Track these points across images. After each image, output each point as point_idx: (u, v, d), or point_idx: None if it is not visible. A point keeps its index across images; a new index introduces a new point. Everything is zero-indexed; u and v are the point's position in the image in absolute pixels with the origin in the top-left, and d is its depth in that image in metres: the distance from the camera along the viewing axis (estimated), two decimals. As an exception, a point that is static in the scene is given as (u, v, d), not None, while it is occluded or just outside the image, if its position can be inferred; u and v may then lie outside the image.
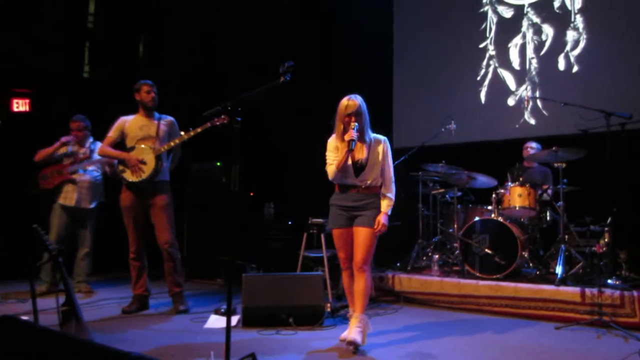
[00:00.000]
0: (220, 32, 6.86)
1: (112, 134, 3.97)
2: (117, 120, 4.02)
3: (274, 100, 5.39)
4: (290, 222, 5.63)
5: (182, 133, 3.89)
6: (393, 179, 3.22)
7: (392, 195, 3.18)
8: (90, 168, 4.73)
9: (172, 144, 3.90)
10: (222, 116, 3.50)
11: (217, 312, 3.75)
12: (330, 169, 3.16)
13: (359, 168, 3.13)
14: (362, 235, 3.10)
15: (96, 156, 4.61)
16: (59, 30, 6.15)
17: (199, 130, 3.77)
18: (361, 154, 3.12)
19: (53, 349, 1.65)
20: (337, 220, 3.19)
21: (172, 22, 6.80)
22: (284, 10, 6.56)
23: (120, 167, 3.90)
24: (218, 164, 5.73)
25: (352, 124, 3.04)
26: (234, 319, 3.63)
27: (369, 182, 3.13)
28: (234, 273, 4.42)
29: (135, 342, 3.10)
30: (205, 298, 4.57)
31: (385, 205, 3.15)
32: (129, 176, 3.87)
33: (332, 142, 3.21)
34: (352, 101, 3.08)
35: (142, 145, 3.89)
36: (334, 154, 3.17)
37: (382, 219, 3.10)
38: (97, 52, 6.67)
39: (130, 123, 3.98)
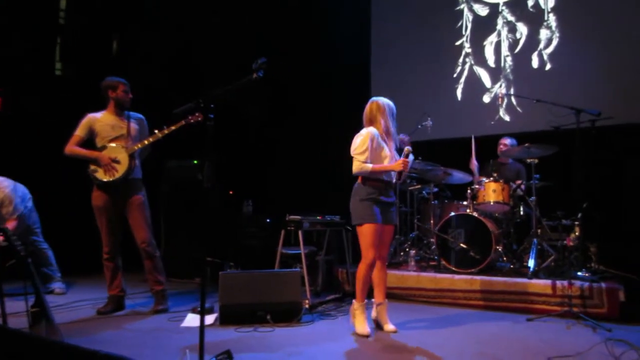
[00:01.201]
0: (197, 27, 6.79)
1: (80, 132, 3.82)
2: (84, 117, 3.88)
3: (254, 96, 5.36)
4: (268, 220, 5.62)
5: (156, 131, 3.81)
6: None
7: None
8: None
9: (146, 142, 3.82)
10: (197, 114, 3.47)
11: (194, 310, 3.72)
12: (364, 167, 3.21)
13: None
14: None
15: None
16: (29, 26, 5.99)
17: (173, 128, 3.72)
18: (391, 151, 3.33)
19: (20, 350, 1.62)
20: (382, 215, 3.26)
21: (149, 17, 6.69)
22: (265, 5, 6.52)
23: (92, 167, 3.80)
24: (195, 161, 5.69)
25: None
26: (212, 317, 3.62)
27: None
28: (212, 271, 4.40)
29: (110, 343, 3.06)
30: (182, 297, 4.53)
31: None
32: (101, 176, 3.78)
33: (372, 136, 3.23)
34: None
35: (114, 144, 3.81)
36: (370, 151, 3.21)
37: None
38: (69, 49, 6.52)
39: (100, 121, 3.86)
